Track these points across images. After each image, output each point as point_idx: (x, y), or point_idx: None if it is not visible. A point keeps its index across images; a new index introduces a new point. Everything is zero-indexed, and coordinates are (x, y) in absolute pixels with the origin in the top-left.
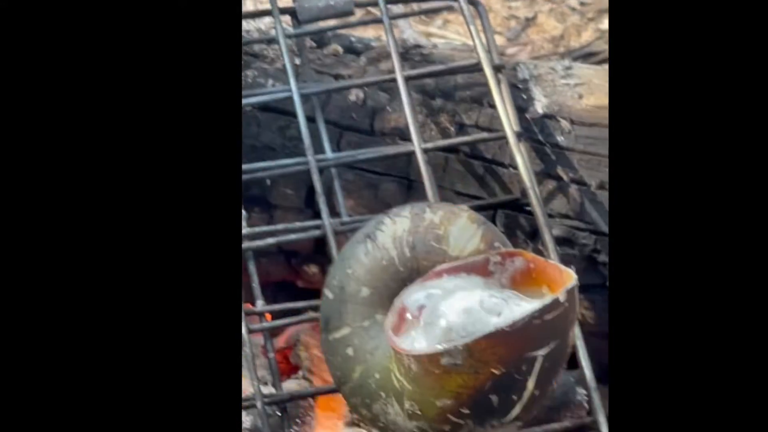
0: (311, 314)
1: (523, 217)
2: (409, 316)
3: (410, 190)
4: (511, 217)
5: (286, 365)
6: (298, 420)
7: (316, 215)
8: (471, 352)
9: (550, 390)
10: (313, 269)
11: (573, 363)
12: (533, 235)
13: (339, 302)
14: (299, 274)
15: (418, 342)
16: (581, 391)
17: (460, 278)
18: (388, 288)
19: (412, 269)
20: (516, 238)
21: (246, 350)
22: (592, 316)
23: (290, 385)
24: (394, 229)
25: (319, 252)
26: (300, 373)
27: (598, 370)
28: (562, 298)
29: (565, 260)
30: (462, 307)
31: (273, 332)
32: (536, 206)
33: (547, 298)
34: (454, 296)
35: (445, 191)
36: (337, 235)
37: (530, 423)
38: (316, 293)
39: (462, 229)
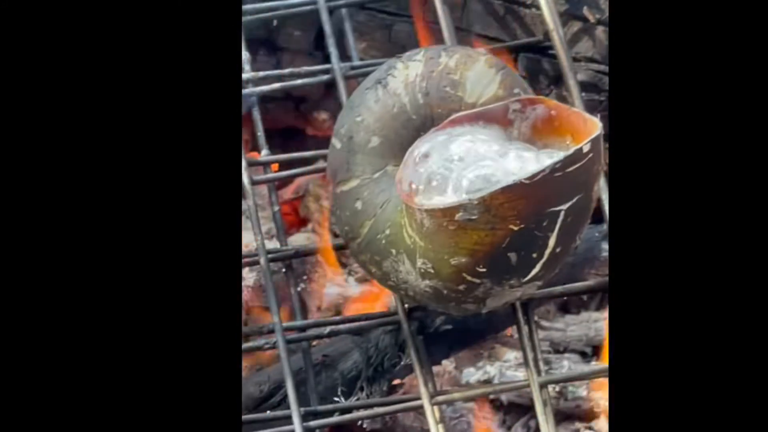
0: (321, 164)
1: (546, 60)
2: (421, 167)
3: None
4: (533, 60)
5: (295, 218)
6: (305, 277)
7: (326, 59)
8: (487, 206)
9: (573, 247)
10: (322, 116)
11: (598, 217)
12: (557, 80)
13: (347, 152)
14: (308, 122)
15: (431, 195)
16: (606, 247)
17: (477, 127)
18: (400, 137)
19: (426, 117)
20: (538, 83)
21: (249, 203)
22: None
23: (298, 240)
24: (407, 74)
25: (328, 98)
26: (309, 226)
27: None
28: (586, 148)
29: (591, 107)
30: (479, 159)
31: (281, 183)
32: (560, 49)
33: (570, 149)
34: (471, 147)
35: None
36: (347, 80)
37: (551, 282)
38: (326, 141)
39: (479, 73)
